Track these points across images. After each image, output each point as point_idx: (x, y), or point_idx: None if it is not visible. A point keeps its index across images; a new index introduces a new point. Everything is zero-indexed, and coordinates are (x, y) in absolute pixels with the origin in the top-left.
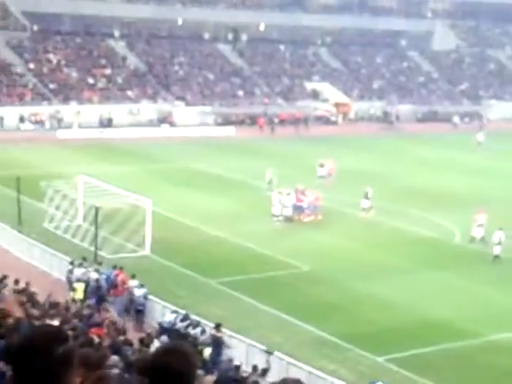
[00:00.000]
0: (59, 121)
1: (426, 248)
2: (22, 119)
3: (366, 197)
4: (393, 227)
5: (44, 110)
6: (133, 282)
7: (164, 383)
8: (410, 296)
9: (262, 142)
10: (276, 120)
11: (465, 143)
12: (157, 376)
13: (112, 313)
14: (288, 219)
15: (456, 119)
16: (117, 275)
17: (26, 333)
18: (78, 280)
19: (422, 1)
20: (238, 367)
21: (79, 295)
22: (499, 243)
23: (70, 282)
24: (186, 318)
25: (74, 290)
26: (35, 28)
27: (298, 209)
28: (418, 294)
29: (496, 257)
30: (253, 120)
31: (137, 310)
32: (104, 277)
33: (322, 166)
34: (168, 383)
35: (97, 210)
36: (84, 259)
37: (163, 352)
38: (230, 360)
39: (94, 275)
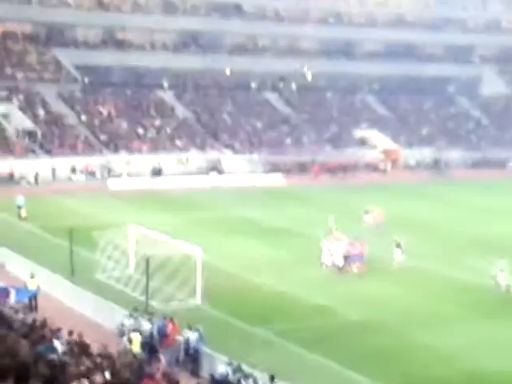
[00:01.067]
0: (109, 171)
1: (478, 296)
2: (73, 170)
3: (399, 246)
4: (444, 275)
5: (95, 161)
6: (187, 332)
7: None
8: (465, 346)
9: (311, 189)
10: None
11: None
12: None
13: (163, 363)
14: (337, 267)
15: None
16: (167, 325)
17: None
18: (134, 330)
19: (470, 46)
20: None
21: (136, 346)
22: None
23: (121, 332)
24: (238, 369)
25: (130, 341)
26: (86, 80)
27: (347, 258)
28: (473, 344)
29: None
30: (302, 167)
31: (191, 356)
32: (155, 327)
33: (366, 212)
34: None
35: (148, 259)
36: (135, 309)
37: None
38: None
39: (145, 325)
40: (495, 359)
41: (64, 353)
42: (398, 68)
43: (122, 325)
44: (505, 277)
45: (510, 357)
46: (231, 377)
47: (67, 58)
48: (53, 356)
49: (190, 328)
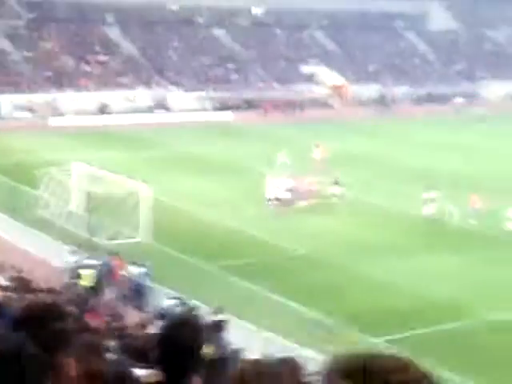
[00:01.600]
0: (54, 108)
1: (425, 228)
2: (16, 107)
3: (337, 183)
4: (391, 208)
5: (39, 98)
6: (132, 268)
7: (173, 355)
8: (411, 276)
9: (259, 126)
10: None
11: (462, 124)
12: (167, 348)
13: (108, 298)
14: (283, 203)
15: (459, 100)
16: (112, 261)
17: (25, 304)
18: (80, 267)
19: None
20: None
21: (86, 282)
22: None
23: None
24: (183, 303)
25: (78, 276)
26: (30, 16)
27: (293, 193)
28: (418, 275)
29: None
30: (249, 104)
31: (136, 291)
32: (100, 263)
33: (317, 146)
34: (177, 354)
35: (89, 194)
36: (79, 246)
37: (172, 325)
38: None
39: (90, 261)
40: (441, 288)
41: (6, 288)
42: (346, 3)
43: (66, 262)
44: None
45: (450, 284)
46: (176, 310)
47: None
48: None
49: (134, 264)
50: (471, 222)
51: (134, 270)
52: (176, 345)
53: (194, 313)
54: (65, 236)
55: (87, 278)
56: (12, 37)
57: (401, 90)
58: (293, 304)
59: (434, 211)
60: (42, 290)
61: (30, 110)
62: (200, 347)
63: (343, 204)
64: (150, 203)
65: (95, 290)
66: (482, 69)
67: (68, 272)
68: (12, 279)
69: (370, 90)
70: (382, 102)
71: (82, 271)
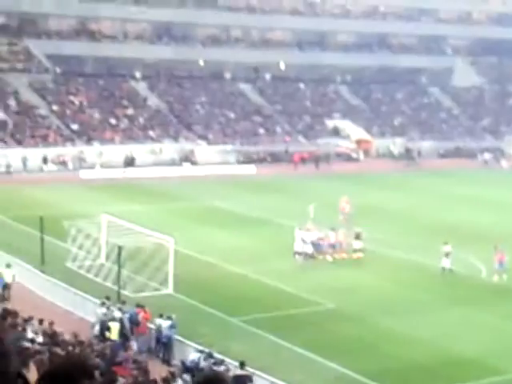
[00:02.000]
0: (82, 161)
1: (454, 284)
2: (45, 160)
3: (358, 237)
4: (418, 263)
5: (67, 151)
6: (159, 321)
7: None
8: (437, 333)
9: (284, 179)
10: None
11: (488, 178)
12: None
13: (135, 351)
14: (310, 256)
15: (487, 156)
16: (138, 313)
17: (55, 362)
18: (110, 319)
19: (442, 37)
20: None
21: (113, 335)
22: None
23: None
24: (209, 356)
25: (108, 329)
26: (58, 70)
27: (319, 247)
28: (445, 331)
29: None
30: (274, 158)
31: (163, 343)
32: (127, 315)
33: (345, 200)
34: None
35: (120, 248)
36: (107, 298)
37: (204, 381)
38: None
39: (117, 314)
40: (465, 344)
41: (35, 341)
42: (370, 59)
43: (96, 314)
44: (448, 261)
45: (484, 342)
46: (202, 364)
47: (38, 47)
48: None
49: (161, 316)
50: (496, 277)
51: (161, 323)
52: None
53: (223, 367)
54: (93, 289)
55: (116, 331)
56: (40, 91)
57: (426, 145)
58: (320, 359)
59: (449, 265)
60: (71, 344)
61: (60, 163)
62: None
63: (367, 258)
64: (176, 256)
65: (122, 342)
66: (507, 124)
67: (97, 324)
68: (43, 333)
69: (396, 145)
70: (407, 155)
71: (111, 324)
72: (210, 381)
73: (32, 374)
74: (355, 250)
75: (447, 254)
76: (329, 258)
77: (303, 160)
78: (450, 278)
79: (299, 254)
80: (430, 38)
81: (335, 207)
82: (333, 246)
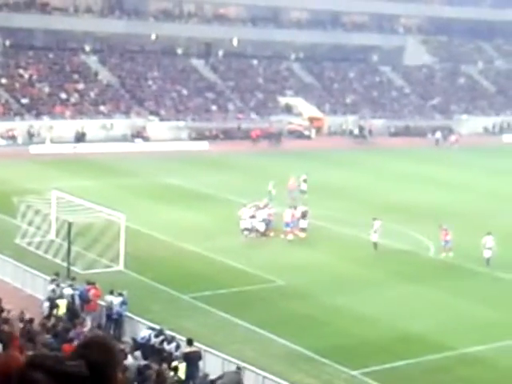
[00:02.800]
0: (32, 136)
1: (402, 261)
2: None
3: (304, 217)
4: (367, 241)
5: (16, 126)
6: (110, 297)
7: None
8: (386, 309)
9: (236, 156)
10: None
11: (438, 157)
12: None
13: (87, 328)
14: (261, 234)
15: (438, 135)
16: (88, 290)
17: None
18: (60, 296)
19: (394, 16)
20: (212, 382)
21: (61, 312)
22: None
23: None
24: (160, 333)
25: (56, 306)
26: (7, 43)
27: (269, 224)
28: (394, 308)
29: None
30: (226, 135)
31: (114, 320)
32: (77, 292)
33: (305, 181)
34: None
35: (70, 225)
36: (57, 275)
37: (82, 345)
38: (206, 375)
39: (67, 291)
40: (418, 322)
41: None
42: (323, 36)
43: (45, 291)
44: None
45: (434, 319)
46: (153, 340)
47: None
48: None
49: (112, 293)
50: (443, 254)
51: (112, 299)
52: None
53: (173, 344)
54: (43, 265)
55: (63, 308)
56: None
57: (378, 123)
58: (271, 336)
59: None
60: (20, 321)
61: (9, 137)
62: (113, 368)
63: (318, 236)
64: (126, 233)
65: (70, 318)
66: (456, 103)
67: (46, 302)
68: None
69: (348, 122)
70: (359, 133)
71: (59, 301)
72: (88, 344)
73: None
74: (302, 229)
75: (375, 231)
76: (290, 237)
77: (257, 137)
78: (398, 255)
79: (249, 230)
80: (382, 17)
81: (283, 184)
82: (287, 225)
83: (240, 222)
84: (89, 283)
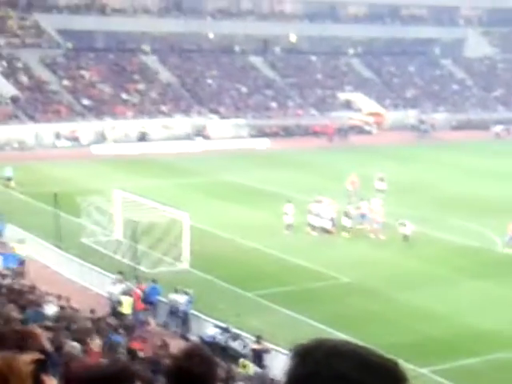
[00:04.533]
0: (98, 136)
1: (469, 257)
2: (57, 136)
3: (347, 215)
4: (434, 237)
5: (79, 127)
6: (174, 296)
7: None
8: (454, 306)
9: (297, 153)
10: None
11: (502, 150)
12: (176, 380)
13: (152, 326)
14: (325, 231)
15: (498, 128)
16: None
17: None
18: (124, 294)
19: (454, 8)
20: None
21: (126, 309)
22: None
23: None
24: (226, 331)
25: (120, 303)
26: (69, 45)
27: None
28: (462, 304)
29: None
30: (286, 131)
31: (180, 318)
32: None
33: (381, 179)
34: None
35: (135, 224)
36: (121, 273)
37: (183, 356)
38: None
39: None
40: (487, 318)
41: (53, 318)
42: (382, 30)
43: (110, 293)
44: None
45: (503, 315)
46: (219, 338)
47: (49, 22)
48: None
49: (176, 291)
50: (509, 250)
51: (177, 298)
52: (187, 377)
53: (239, 342)
54: (109, 264)
55: (127, 305)
56: (51, 66)
57: (439, 117)
58: (336, 332)
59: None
60: (90, 319)
61: (73, 138)
62: (213, 378)
63: (382, 233)
64: (190, 231)
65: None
66: None
67: (110, 300)
68: (60, 309)
69: (409, 116)
70: (420, 127)
71: (123, 298)
72: (188, 355)
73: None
74: (345, 228)
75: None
76: (345, 234)
77: (333, 133)
78: (464, 251)
79: (314, 227)
80: (441, 9)
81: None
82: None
83: (308, 216)
84: (155, 282)
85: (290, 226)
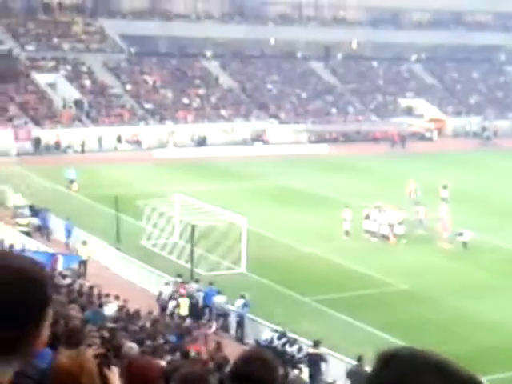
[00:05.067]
0: (157, 140)
1: None
2: (119, 139)
3: (402, 223)
4: (495, 246)
5: (141, 131)
6: (219, 298)
7: None
8: (511, 316)
9: (357, 159)
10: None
11: None
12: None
13: (212, 329)
14: (382, 237)
15: None
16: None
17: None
18: (182, 295)
19: None
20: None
21: (183, 311)
22: None
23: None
24: (283, 335)
25: (178, 305)
26: (132, 50)
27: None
28: None
29: None
30: (346, 137)
31: (236, 322)
32: (202, 293)
33: (445, 187)
34: None
35: (193, 227)
36: (179, 276)
37: (244, 360)
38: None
39: (191, 291)
40: None
41: (112, 318)
42: (445, 36)
43: (160, 292)
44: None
45: None
46: (276, 343)
47: (113, 28)
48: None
49: (219, 293)
50: None
51: (237, 301)
52: (248, 381)
53: (296, 347)
54: (167, 266)
55: (185, 306)
56: (114, 70)
57: (503, 124)
58: (391, 339)
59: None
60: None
61: (134, 142)
62: (274, 381)
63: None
64: (248, 235)
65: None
66: None
67: (167, 301)
68: (119, 309)
69: (471, 123)
70: (482, 135)
71: (181, 300)
72: (249, 359)
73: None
74: (396, 235)
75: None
76: (403, 240)
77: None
78: None
79: (372, 233)
80: (506, 15)
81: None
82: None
83: (363, 222)
84: (212, 285)
85: (347, 231)
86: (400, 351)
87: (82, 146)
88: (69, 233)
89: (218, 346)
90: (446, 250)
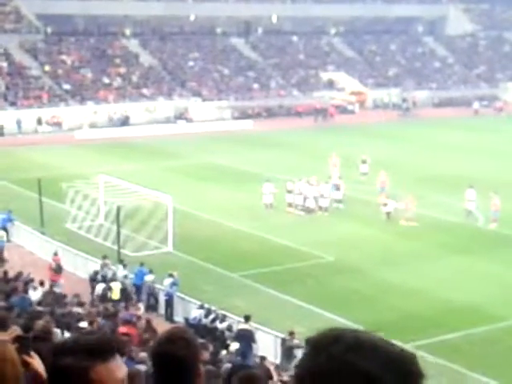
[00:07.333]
0: (77, 121)
1: (450, 233)
2: (39, 121)
3: (338, 188)
4: (417, 214)
5: (61, 112)
6: (150, 277)
7: (168, 371)
8: (435, 282)
9: (280, 134)
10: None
11: (483, 126)
12: (161, 364)
13: (141, 310)
14: (308, 210)
15: (476, 105)
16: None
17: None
18: (111, 279)
19: None
20: (263, 358)
21: (115, 294)
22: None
23: (94, 280)
24: (209, 312)
25: (109, 289)
26: (49, 30)
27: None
28: (443, 280)
29: None
30: (269, 112)
31: (165, 301)
32: (130, 275)
33: (364, 162)
34: (171, 370)
35: (118, 208)
36: (105, 257)
37: (167, 339)
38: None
39: (121, 273)
40: (464, 293)
41: (38, 303)
42: (362, 9)
43: (95, 273)
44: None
45: (483, 290)
46: (204, 320)
47: (28, 7)
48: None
49: (150, 272)
50: (493, 224)
51: (165, 280)
52: (168, 361)
53: (226, 323)
54: (93, 249)
55: (117, 291)
56: (32, 51)
57: (421, 94)
58: (320, 311)
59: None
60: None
61: (55, 124)
62: (195, 361)
63: (364, 210)
64: (174, 214)
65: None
66: (501, 71)
67: (98, 284)
68: (45, 294)
69: (391, 95)
70: (402, 105)
71: (113, 284)
72: (170, 338)
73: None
74: (337, 201)
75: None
76: (321, 213)
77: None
78: (445, 226)
79: (296, 206)
80: None
81: (347, 161)
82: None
83: (286, 195)
84: (143, 265)
85: (269, 205)
86: (332, 337)
87: (1, 129)
88: None
89: (149, 324)
90: (380, 223)
